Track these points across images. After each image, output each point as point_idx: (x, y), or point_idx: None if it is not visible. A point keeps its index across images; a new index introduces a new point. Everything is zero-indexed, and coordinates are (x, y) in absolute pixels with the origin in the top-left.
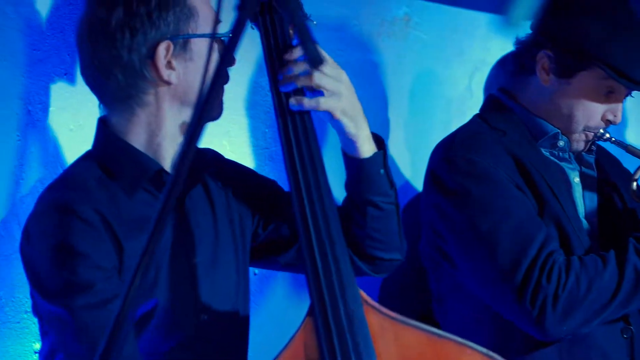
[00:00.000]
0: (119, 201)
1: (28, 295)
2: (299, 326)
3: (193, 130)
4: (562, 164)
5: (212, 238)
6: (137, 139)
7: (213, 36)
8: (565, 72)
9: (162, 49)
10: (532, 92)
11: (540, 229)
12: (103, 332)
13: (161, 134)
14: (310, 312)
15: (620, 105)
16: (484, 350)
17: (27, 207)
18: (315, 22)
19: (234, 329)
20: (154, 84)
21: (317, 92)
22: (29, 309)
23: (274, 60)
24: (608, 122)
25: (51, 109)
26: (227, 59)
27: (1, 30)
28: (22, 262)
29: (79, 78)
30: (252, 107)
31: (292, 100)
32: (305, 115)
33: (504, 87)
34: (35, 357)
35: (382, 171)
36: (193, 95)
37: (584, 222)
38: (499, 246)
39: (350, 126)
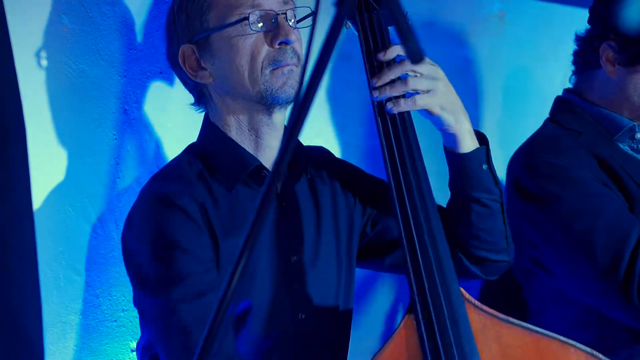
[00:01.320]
0: (218, 196)
1: (125, 293)
2: (399, 323)
3: (292, 128)
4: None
5: (314, 236)
6: (239, 131)
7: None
8: (631, 60)
9: (181, 56)
10: (600, 86)
11: (633, 224)
12: (198, 325)
13: (241, 129)
14: (411, 310)
15: None
16: (588, 349)
17: (124, 205)
18: (409, 20)
19: (334, 327)
20: (202, 84)
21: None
22: (126, 308)
23: (373, 61)
24: None
25: (147, 107)
26: (325, 57)
27: (98, 30)
28: (123, 252)
29: (175, 76)
30: (344, 106)
31: (389, 105)
32: (404, 114)
33: (569, 87)
34: (132, 356)
35: (485, 166)
36: (232, 86)
37: None
38: (596, 246)
39: (450, 120)
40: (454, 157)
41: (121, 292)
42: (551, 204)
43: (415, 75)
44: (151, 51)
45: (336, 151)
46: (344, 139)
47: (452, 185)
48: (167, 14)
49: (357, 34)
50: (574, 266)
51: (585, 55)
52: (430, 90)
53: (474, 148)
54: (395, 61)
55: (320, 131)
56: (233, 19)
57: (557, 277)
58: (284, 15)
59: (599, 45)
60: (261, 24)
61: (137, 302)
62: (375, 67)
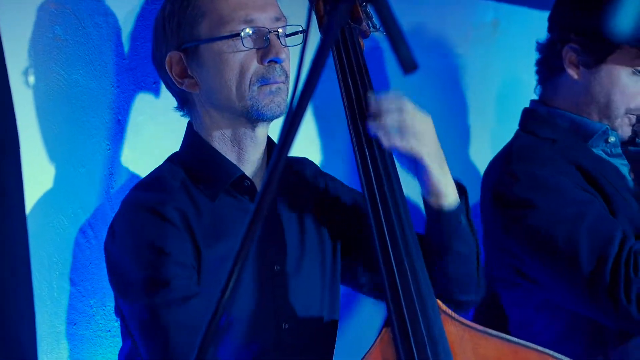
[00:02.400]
0: (200, 204)
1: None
2: (377, 337)
3: (283, 141)
4: (614, 159)
5: (298, 246)
6: (221, 142)
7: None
8: (594, 60)
9: (168, 62)
10: (566, 91)
11: (615, 226)
12: (181, 329)
13: (224, 140)
14: (387, 323)
15: None
16: (565, 358)
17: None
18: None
19: (318, 338)
20: (186, 91)
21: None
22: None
23: (348, 81)
24: None
25: (140, 118)
26: (317, 68)
27: (91, 40)
28: (106, 261)
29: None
30: (337, 113)
31: (385, 140)
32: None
33: (536, 98)
34: None
35: (463, 220)
36: (217, 99)
37: None
38: (580, 252)
39: (437, 171)
40: (432, 212)
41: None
42: (532, 213)
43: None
44: (144, 62)
45: (326, 158)
46: (334, 147)
47: (427, 232)
48: (157, 16)
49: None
50: (558, 273)
51: (549, 61)
52: (422, 139)
53: (456, 204)
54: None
55: (311, 140)
56: (225, 33)
57: (542, 286)
58: (275, 33)
59: (561, 49)
60: (253, 40)
61: (118, 311)
62: (353, 99)
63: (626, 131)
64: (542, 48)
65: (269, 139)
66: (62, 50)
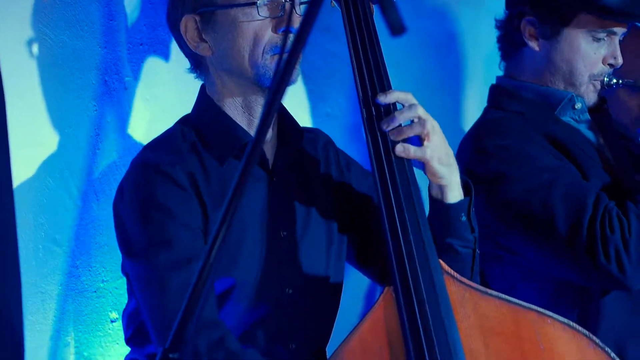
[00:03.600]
0: (209, 168)
1: (105, 264)
2: (379, 296)
3: (272, 97)
4: (582, 125)
5: (304, 214)
6: (233, 107)
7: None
8: (552, 31)
9: (183, 25)
10: (530, 63)
11: (589, 189)
12: (185, 291)
13: (235, 105)
14: (390, 282)
15: (616, 46)
16: (565, 320)
17: (104, 177)
18: None
19: (321, 303)
20: (199, 55)
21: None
22: (106, 279)
23: (359, 48)
24: (611, 66)
25: (127, 79)
26: (306, 27)
27: (79, 1)
28: (114, 219)
29: (155, 48)
30: (327, 77)
31: (399, 148)
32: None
33: (501, 75)
34: (112, 326)
35: (463, 218)
36: (230, 64)
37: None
38: (556, 217)
39: (444, 174)
40: (436, 205)
41: (101, 263)
42: (506, 185)
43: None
44: (132, 23)
45: (317, 123)
46: (325, 110)
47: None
48: None
49: (342, 14)
50: (537, 241)
51: (509, 37)
52: (431, 143)
53: (459, 200)
54: (396, 107)
55: (301, 103)
56: (241, 0)
57: (523, 257)
58: (290, 3)
59: (519, 23)
60: (268, 9)
61: (124, 270)
62: (367, 87)
63: (592, 98)
64: (501, 24)
65: (280, 105)
66: (49, 11)
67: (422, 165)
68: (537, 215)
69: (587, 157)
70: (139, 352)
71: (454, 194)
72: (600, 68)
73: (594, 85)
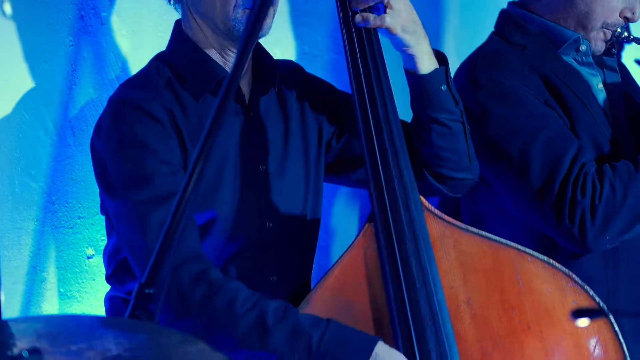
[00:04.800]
0: (186, 104)
1: (81, 201)
2: (359, 232)
3: (247, 37)
4: (584, 69)
5: (282, 146)
6: (207, 45)
7: None
8: None
9: None
10: None
11: (571, 143)
12: (162, 227)
13: (211, 45)
14: (370, 218)
15: (637, 1)
16: (545, 258)
17: (80, 112)
18: None
19: (301, 236)
20: None
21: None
22: (82, 215)
23: None
24: (626, 20)
25: (103, 14)
26: None
27: None
28: (92, 158)
29: None
30: (305, 15)
31: (358, 18)
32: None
33: (514, 0)
34: (88, 262)
35: (444, 87)
36: (204, 12)
37: (610, 128)
38: (531, 166)
39: (410, 41)
40: (413, 79)
41: (77, 199)
42: (490, 121)
43: None
44: None
45: (295, 61)
46: (303, 49)
47: (413, 106)
48: None
49: None
50: (510, 184)
51: None
52: (395, 11)
53: (433, 69)
54: None
55: (278, 40)
56: None
57: (495, 192)
58: None
59: None
60: None
61: (103, 207)
62: None
63: (599, 46)
64: None
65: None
66: None
67: (388, 34)
68: (514, 160)
69: (580, 103)
70: (119, 289)
71: (426, 63)
72: (616, 19)
73: (605, 34)
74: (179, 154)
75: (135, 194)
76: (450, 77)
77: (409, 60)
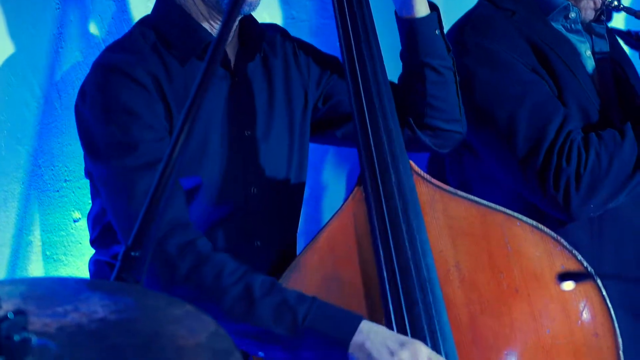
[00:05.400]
0: (172, 69)
1: (67, 164)
2: (348, 195)
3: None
4: (573, 36)
5: (267, 111)
6: (195, 11)
7: None
8: None
9: None
10: None
11: (558, 111)
12: (147, 194)
13: (199, 11)
14: (360, 182)
15: None
16: (534, 222)
17: (67, 75)
18: None
19: (285, 201)
20: None
21: None
22: (68, 178)
23: None
24: None
25: None
26: None
27: None
28: (76, 122)
29: None
30: None
31: None
32: None
33: None
34: (74, 226)
35: (437, 31)
36: None
37: (598, 96)
38: (517, 133)
39: None
40: (408, 24)
41: (63, 162)
42: (477, 86)
43: None
44: None
45: (283, 26)
46: (291, 13)
47: (404, 53)
48: None
49: None
50: (495, 151)
51: None
52: None
53: (427, 13)
54: None
55: (266, 5)
56: None
57: (481, 159)
58: None
59: None
60: None
61: (88, 173)
62: None
63: (589, 14)
64: None
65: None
66: None
67: None
68: (499, 126)
69: (568, 70)
70: (104, 253)
71: (422, 7)
72: None
73: (595, 2)
74: (164, 119)
75: (120, 160)
76: (442, 24)
77: (405, 6)
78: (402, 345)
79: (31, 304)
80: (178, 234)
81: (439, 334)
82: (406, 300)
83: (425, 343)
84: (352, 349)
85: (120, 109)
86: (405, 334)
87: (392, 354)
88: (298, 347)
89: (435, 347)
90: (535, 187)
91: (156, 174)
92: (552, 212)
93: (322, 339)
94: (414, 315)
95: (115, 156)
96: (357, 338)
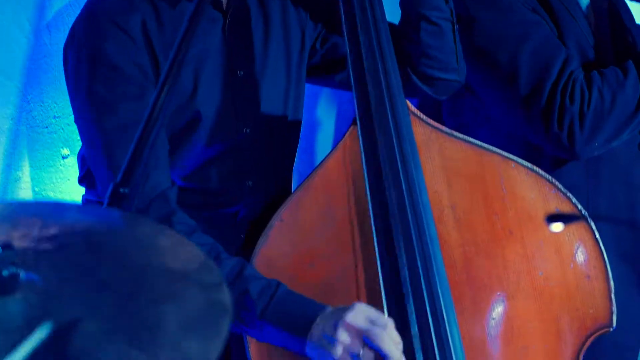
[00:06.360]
0: (161, 13)
1: (57, 100)
2: (343, 135)
3: None
4: None
5: (262, 50)
6: None
7: None
8: None
9: None
10: None
11: (560, 51)
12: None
13: None
14: (355, 121)
15: None
16: (529, 164)
17: (58, 12)
18: None
19: (280, 142)
20: None
21: None
22: (58, 115)
23: None
24: None
25: None
26: None
27: None
28: (63, 63)
29: None
30: None
31: None
32: None
33: None
34: (63, 162)
35: None
36: None
37: (592, 36)
38: (520, 74)
39: None
40: None
41: (52, 98)
42: (478, 27)
43: None
44: None
45: None
46: None
47: (403, 4)
48: None
49: None
50: (498, 93)
51: None
52: None
53: None
54: None
55: None
56: None
57: (481, 100)
58: None
59: None
60: None
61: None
62: None
63: None
64: None
65: None
66: None
67: None
68: (502, 67)
69: (565, 11)
70: (91, 192)
71: None
72: None
73: None
74: (151, 73)
75: (99, 120)
76: None
77: None
78: (335, 326)
79: (18, 229)
80: (157, 205)
81: (435, 272)
82: (403, 238)
83: (420, 281)
84: (307, 347)
85: (106, 62)
86: (398, 272)
87: (331, 342)
88: (260, 336)
89: (430, 285)
90: (538, 127)
91: (136, 135)
92: (556, 152)
93: (280, 334)
94: (409, 252)
95: (95, 113)
96: (309, 336)
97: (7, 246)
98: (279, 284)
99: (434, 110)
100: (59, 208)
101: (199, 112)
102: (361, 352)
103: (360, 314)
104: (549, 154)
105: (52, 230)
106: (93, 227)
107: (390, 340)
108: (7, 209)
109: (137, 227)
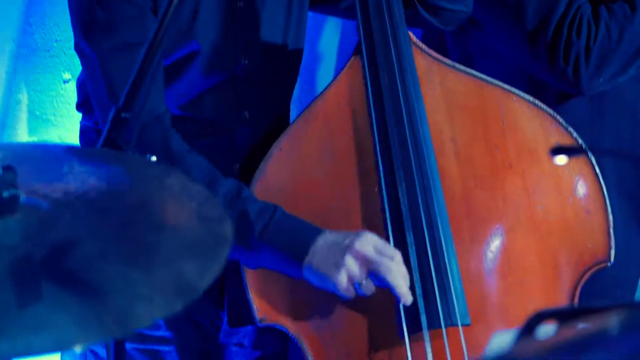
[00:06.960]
0: None
1: (59, 24)
2: (345, 65)
3: None
4: None
5: None
6: None
7: None
8: None
9: None
10: None
11: None
12: (126, 76)
13: None
14: (357, 51)
15: None
16: (531, 98)
17: None
18: None
19: (276, 75)
20: None
21: None
22: (59, 38)
23: None
24: None
25: None
26: None
27: None
28: None
29: None
30: None
31: None
32: None
33: None
34: (64, 87)
35: None
36: None
37: None
38: (527, 7)
39: None
40: None
41: (54, 21)
42: None
43: None
44: None
45: None
46: None
47: None
48: None
49: None
50: (503, 25)
51: None
52: None
53: None
54: None
55: None
56: None
57: (486, 34)
58: None
59: None
60: None
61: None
62: None
63: None
64: None
65: None
66: None
67: None
68: (508, 0)
69: None
70: (89, 119)
71: None
72: None
73: None
74: None
75: (100, 39)
76: None
77: None
78: (344, 251)
79: (20, 169)
80: (151, 128)
81: (435, 203)
82: (403, 170)
83: (419, 213)
84: (305, 271)
85: None
86: (399, 204)
87: (336, 265)
88: (256, 259)
89: (430, 217)
90: (544, 61)
91: (135, 57)
92: (561, 87)
93: (277, 256)
94: (409, 182)
95: (93, 33)
96: (308, 259)
97: (8, 168)
98: (277, 206)
99: (439, 42)
100: (60, 151)
101: (198, 40)
102: (364, 282)
103: (369, 243)
104: (554, 88)
105: (54, 173)
106: (96, 171)
107: (398, 273)
108: (7, 150)
109: (140, 167)
